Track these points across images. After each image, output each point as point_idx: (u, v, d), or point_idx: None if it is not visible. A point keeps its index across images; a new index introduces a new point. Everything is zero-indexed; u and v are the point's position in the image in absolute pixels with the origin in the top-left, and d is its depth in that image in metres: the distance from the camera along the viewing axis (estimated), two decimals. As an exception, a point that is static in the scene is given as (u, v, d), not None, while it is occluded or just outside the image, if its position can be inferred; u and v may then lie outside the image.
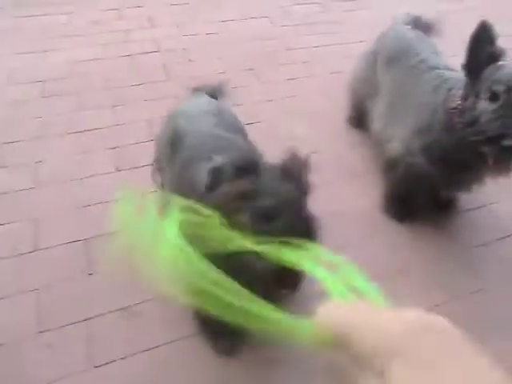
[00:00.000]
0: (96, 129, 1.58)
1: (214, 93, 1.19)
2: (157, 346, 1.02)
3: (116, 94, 1.75)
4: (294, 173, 0.67)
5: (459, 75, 1.08)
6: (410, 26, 1.38)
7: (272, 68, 1.95)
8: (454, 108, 1.06)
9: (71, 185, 1.38)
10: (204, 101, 1.11)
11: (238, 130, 1.05)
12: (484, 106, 0.98)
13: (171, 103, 1.69)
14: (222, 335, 1.01)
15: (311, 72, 1.94)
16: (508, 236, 1.27)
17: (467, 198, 1.35)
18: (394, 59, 1.31)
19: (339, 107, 1.68)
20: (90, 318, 1.06)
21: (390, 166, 1.29)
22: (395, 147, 1.23)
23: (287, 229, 0.54)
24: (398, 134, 1.22)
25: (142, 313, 1.08)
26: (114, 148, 1.51)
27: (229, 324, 0.29)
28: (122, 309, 1.08)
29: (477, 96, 1.00)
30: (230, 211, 0.53)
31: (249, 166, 0.65)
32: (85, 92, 1.75)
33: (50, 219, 1.28)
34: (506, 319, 1.09)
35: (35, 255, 1.19)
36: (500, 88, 0.96)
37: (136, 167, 1.44)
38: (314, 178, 0.73)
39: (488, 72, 1.00)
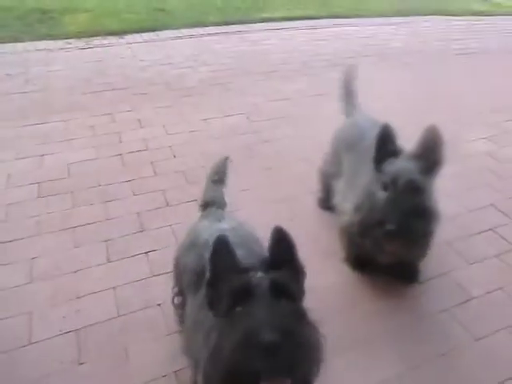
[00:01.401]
0: (88, 224, 1.72)
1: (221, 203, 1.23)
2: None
3: (107, 191, 1.92)
4: None
5: None
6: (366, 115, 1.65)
7: (248, 159, 2.17)
8: None
9: (64, 278, 1.47)
10: (226, 228, 1.07)
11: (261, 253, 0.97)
12: (379, 194, 1.21)
13: (158, 196, 1.86)
14: None
15: (284, 161, 2.16)
16: (468, 300, 1.38)
17: (429, 268, 1.48)
18: (351, 144, 1.55)
19: (312, 192, 1.86)
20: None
21: (341, 234, 1.52)
22: (344, 219, 1.43)
23: None
24: (347, 208, 1.40)
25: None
26: (106, 241, 1.63)
27: None
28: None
29: (379, 185, 1.23)
30: None
31: None
32: (78, 190, 1.92)
33: (43, 312, 1.35)
34: (472, 380, 1.16)
35: (28, 349, 1.24)
36: (387, 180, 1.19)
37: (127, 257, 1.55)
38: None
39: (385, 166, 1.23)
